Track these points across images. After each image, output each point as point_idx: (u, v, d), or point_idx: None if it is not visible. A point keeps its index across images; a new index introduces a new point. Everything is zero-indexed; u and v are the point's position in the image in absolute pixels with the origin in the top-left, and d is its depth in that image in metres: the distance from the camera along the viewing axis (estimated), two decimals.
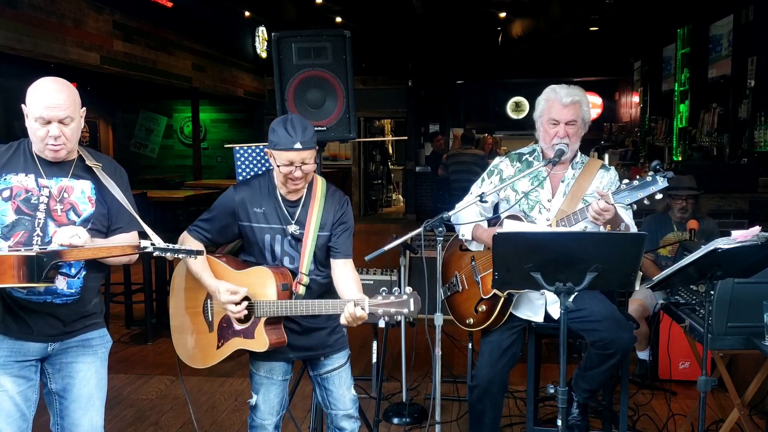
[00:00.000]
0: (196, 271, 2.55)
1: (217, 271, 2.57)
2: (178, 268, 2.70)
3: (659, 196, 2.54)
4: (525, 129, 13.65)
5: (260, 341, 2.47)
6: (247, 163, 3.44)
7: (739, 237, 2.34)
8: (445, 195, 9.54)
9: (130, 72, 8.38)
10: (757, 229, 2.34)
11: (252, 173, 3.44)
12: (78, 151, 2.32)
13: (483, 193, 2.73)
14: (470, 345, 4.13)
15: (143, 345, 5.28)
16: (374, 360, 4.09)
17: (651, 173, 2.54)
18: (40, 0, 6.58)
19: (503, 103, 14.14)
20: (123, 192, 2.33)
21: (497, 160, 3.10)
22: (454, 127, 13.65)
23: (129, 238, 2.33)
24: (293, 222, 2.54)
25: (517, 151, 3.08)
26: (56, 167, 2.27)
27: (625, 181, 2.61)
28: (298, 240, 2.55)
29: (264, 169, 3.18)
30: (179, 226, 7.10)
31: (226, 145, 4.12)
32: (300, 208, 2.56)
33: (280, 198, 2.55)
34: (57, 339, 2.31)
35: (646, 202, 2.55)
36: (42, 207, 2.22)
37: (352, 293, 2.43)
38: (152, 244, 2.14)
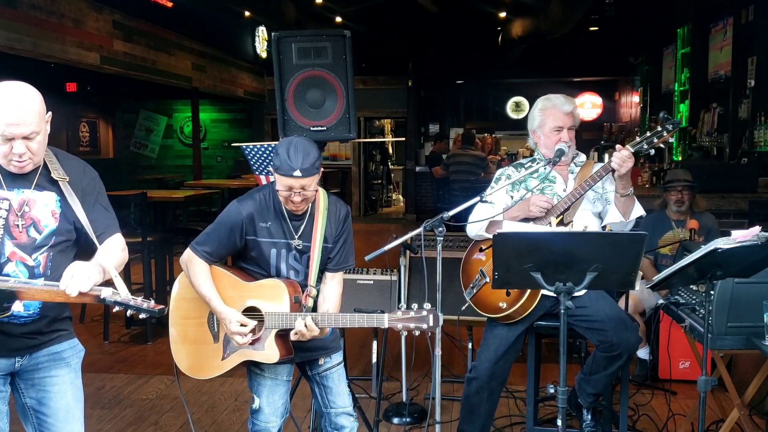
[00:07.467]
0: (204, 295, 2.52)
1: (226, 282, 2.54)
2: (180, 278, 2.66)
3: (671, 140, 2.71)
4: (525, 129, 13.60)
5: (270, 353, 2.48)
6: (258, 157, 3.46)
7: (739, 237, 2.34)
8: (445, 195, 9.54)
9: (130, 72, 8.38)
10: (757, 229, 2.34)
11: (267, 168, 3.45)
12: (44, 158, 2.12)
13: (482, 194, 2.80)
14: (470, 345, 4.13)
15: (143, 345, 5.28)
16: (374, 360, 4.09)
17: (659, 127, 2.79)
18: (40, 0, 6.58)
19: (503, 103, 14.13)
20: (95, 198, 2.19)
21: (501, 170, 3.22)
22: (454, 127, 13.66)
23: (117, 242, 2.20)
24: (297, 237, 2.55)
25: (517, 162, 3.25)
26: (19, 177, 2.08)
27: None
28: (302, 253, 2.56)
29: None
30: (179, 226, 7.12)
31: (233, 144, 4.11)
32: (305, 222, 2.56)
33: (285, 212, 2.54)
34: (24, 353, 2.16)
35: (661, 145, 2.83)
36: (0, 222, 2.04)
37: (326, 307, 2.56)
38: (114, 292, 1.99)
